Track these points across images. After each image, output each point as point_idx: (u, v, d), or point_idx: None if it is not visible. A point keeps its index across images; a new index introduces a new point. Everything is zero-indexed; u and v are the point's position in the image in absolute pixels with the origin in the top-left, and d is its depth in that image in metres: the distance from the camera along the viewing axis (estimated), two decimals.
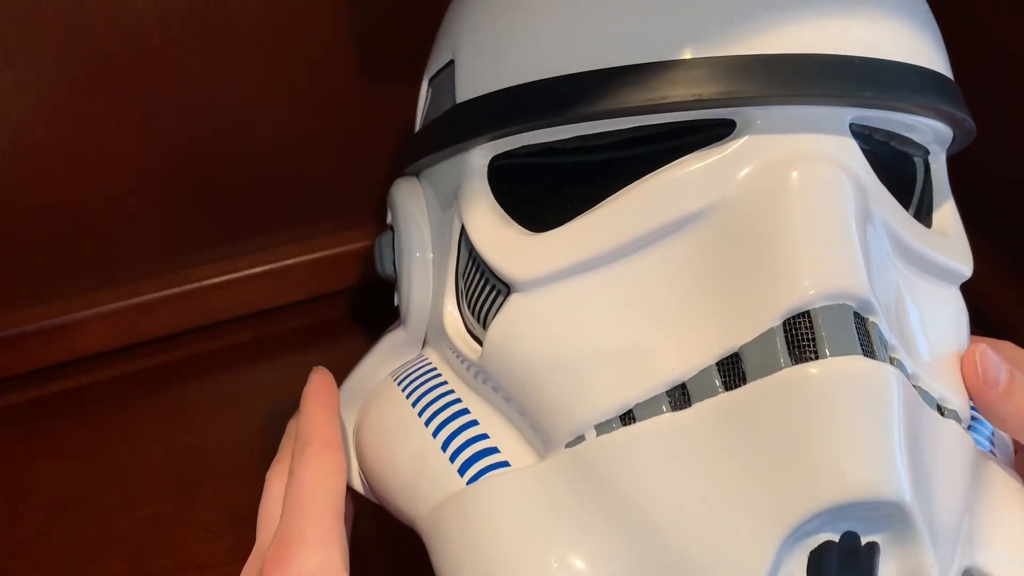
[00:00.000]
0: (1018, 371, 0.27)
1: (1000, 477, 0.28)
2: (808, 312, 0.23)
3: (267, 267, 0.51)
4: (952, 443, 0.26)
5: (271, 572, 0.25)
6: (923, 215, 0.32)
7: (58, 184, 0.45)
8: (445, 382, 0.30)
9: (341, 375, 0.37)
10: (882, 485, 0.21)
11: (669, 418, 0.24)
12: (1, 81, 0.41)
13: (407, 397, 0.30)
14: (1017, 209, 0.48)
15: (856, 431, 0.22)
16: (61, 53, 0.42)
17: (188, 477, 0.42)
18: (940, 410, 0.27)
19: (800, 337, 0.23)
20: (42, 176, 0.44)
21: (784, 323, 0.23)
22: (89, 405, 0.47)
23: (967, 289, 0.31)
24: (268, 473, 0.29)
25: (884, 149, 0.30)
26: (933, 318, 0.28)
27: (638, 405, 0.25)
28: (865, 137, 0.28)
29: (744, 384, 0.23)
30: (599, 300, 0.26)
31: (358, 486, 0.31)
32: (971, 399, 0.28)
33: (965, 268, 0.30)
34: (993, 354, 0.27)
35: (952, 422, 0.26)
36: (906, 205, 0.32)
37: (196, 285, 0.50)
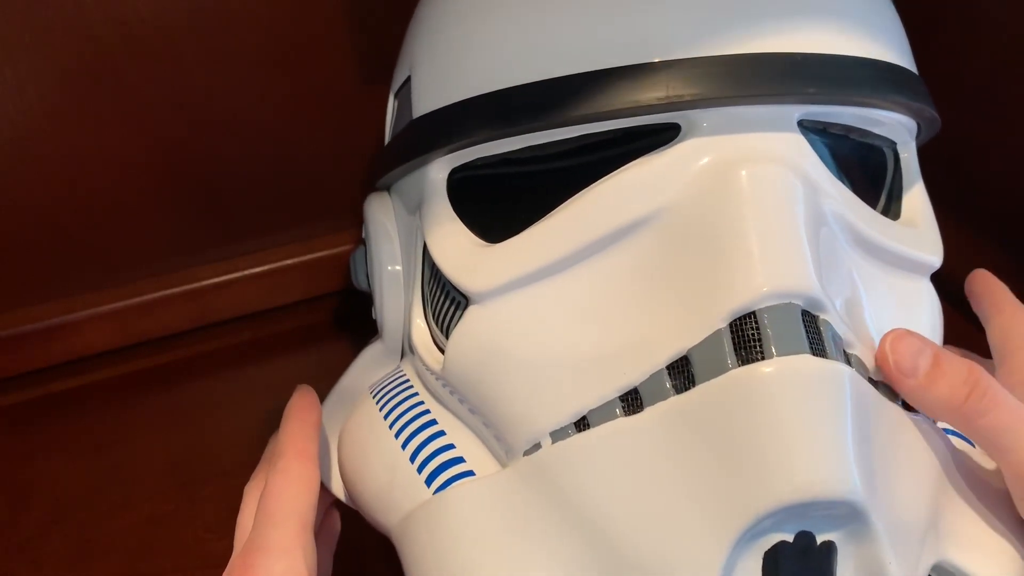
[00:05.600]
0: (946, 353, 0.25)
1: (976, 469, 0.27)
2: (754, 312, 0.23)
3: (267, 267, 0.51)
4: (917, 437, 0.25)
5: None
6: (893, 205, 0.31)
7: (58, 184, 0.45)
8: (416, 394, 0.30)
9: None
10: (832, 484, 0.21)
11: (621, 423, 0.24)
12: (1, 82, 0.41)
13: (380, 410, 0.30)
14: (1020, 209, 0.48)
15: (804, 430, 0.21)
16: (61, 53, 0.42)
17: (188, 477, 0.42)
18: (906, 404, 0.26)
19: (747, 338, 0.23)
20: (42, 176, 0.44)
21: (731, 324, 0.23)
22: (89, 405, 0.47)
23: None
24: (246, 487, 0.30)
25: (848, 141, 0.30)
26: (899, 311, 0.28)
27: (592, 411, 0.25)
28: (821, 132, 0.28)
29: (693, 387, 0.23)
30: (552, 309, 0.26)
31: (342, 496, 0.32)
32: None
33: (933, 258, 0.29)
34: (911, 340, 0.25)
35: (919, 416, 0.26)
36: (876, 195, 0.32)
37: (196, 285, 0.50)
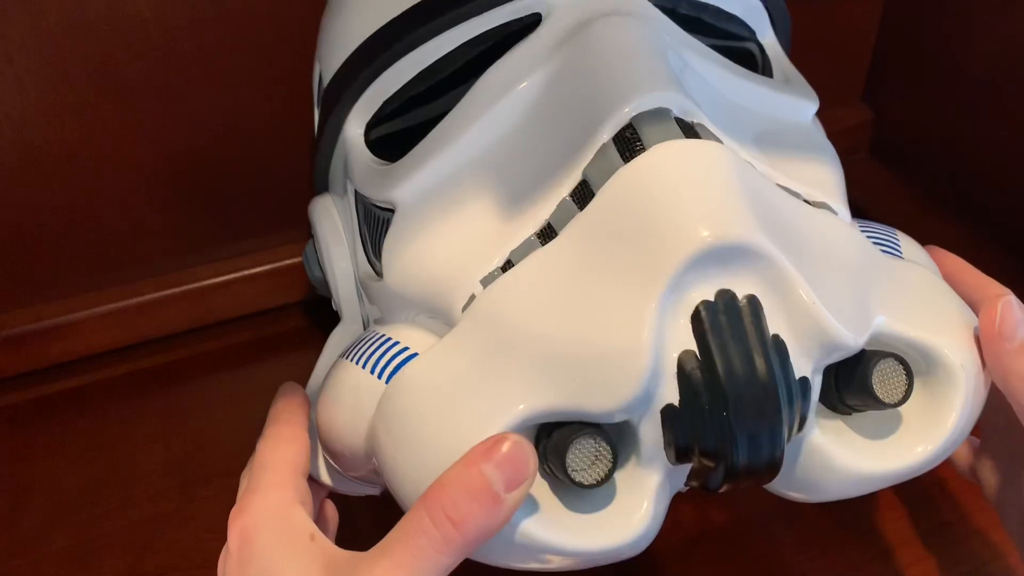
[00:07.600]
0: None
1: (911, 265, 0.29)
2: (631, 122, 0.25)
3: (267, 267, 0.51)
4: (828, 225, 0.27)
5: (233, 520, 0.26)
6: None
7: (58, 184, 0.45)
8: (376, 331, 0.31)
9: None
10: (727, 227, 0.23)
11: (540, 251, 0.26)
12: (1, 81, 0.41)
13: (347, 358, 0.31)
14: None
15: (692, 190, 0.24)
16: (61, 53, 0.42)
17: (188, 477, 0.42)
18: (808, 203, 0.28)
19: (629, 141, 0.25)
20: (42, 176, 0.44)
21: (614, 138, 0.26)
22: (89, 405, 0.47)
23: None
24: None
25: (718, 44, 0.32)
26: (786, 137, 0.31)
27: (514, 251, 0.27)
28: (672, 13, 0.31)
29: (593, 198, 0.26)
30: (461, 185, 0.29)
31: (326, 478, 0.32)
32: (981, 348, 0.27)
33: (809, 102, 0.32)
34: (1018, 310, 0.27)
35: (826, 211, 0.28)
36: None
37: (196, 285, 0.50)
